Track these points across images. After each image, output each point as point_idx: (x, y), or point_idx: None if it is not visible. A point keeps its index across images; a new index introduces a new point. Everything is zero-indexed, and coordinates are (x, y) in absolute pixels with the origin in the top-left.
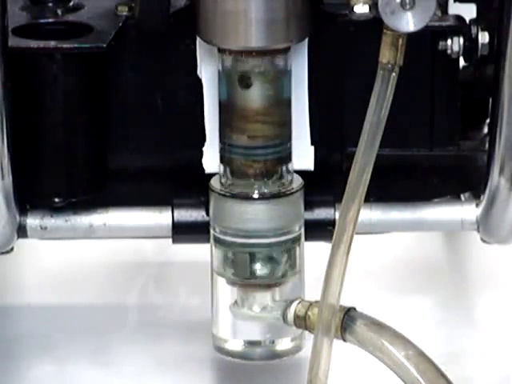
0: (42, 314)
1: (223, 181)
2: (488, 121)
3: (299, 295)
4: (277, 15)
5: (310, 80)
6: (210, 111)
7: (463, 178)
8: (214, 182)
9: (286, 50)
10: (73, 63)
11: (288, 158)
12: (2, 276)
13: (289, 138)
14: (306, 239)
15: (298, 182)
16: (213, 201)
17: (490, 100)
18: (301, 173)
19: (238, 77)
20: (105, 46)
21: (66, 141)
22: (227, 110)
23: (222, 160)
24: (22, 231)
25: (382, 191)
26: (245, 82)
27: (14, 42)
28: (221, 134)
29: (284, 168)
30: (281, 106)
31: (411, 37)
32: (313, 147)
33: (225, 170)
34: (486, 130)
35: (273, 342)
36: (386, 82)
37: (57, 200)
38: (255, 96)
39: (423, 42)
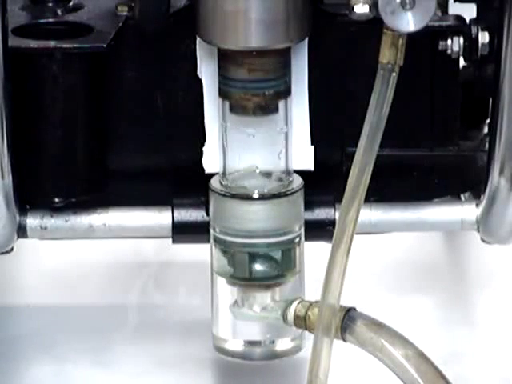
0: (41, 314)
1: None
2: (488, 121)
3: (299, 295)
4: (277, 15)
5: (310, 80)
6: (209, 111)
7: (463, 178)
8: (214, 182)
9: (286, 50)
10: (73, 63)
11: (287, 92)
12: (2, 276)
13: (288, 72)
14: (306, 239)
15: (297, 181)
16: (213, 201)
17: (490, 100)
18: (301, 173)
19: None
20: (105, 46)
21: (66, 141)
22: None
23: (220, 94)
24: (21, 231)
25: (383, 191)
26: None
27: (14, 42)
28: (220, 67)
29: (283, 102)
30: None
31: (411, 37)
32: (313, 147)
33: (223, 105)
34: (486, 129)
35: (273, 342)
36: (386, 82)
37: (57, 200)
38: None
39: (423, 42)
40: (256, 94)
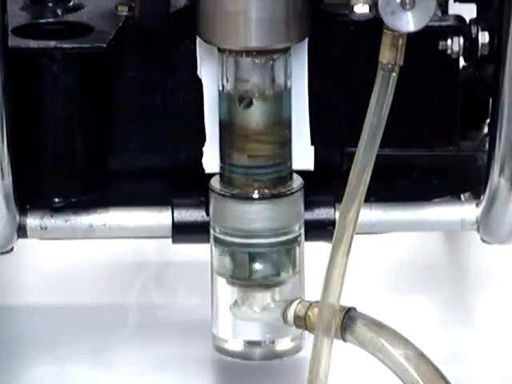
0: (41, 314)
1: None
2: (488, 121)
3: (299, 295)
4: (277, 15)
5: (310, 80)
6: (209, 111)
7: (463, 178)
8: (214, 182)
9: (285, 50)
10: (73, 63)
11: (289, 178)
12: (2, 276)
13: (289, 157)
14: (306, 239)
15: (297, 181)
16: (213, 201)
17: (490, 100)
18: (301, 173)
19: (238, 97)
20: (105, 45)
21: (66, 141)
22: (227, 130)
23: (221, 179)
24: (21, 231)
25: (382, 191)
26: (245, 101)
27: (14, 42)
28: (221, 153)
29: (285, 187)
30: (281, 125)
31: (411, 37)
32: (313, 147)
33: (227, 189)
34: (486, 129)
35: (273, 342)
36: (386, 82)
37: (57, 200)
38: (255, 115)
39: (423, 42)
40: (257, 180)
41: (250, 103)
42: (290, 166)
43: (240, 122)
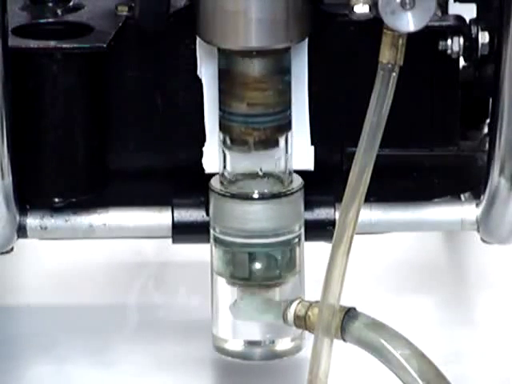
0: (41, 314)
1: (223, 151)
2: (488, 121)
3: (299, 295)
4: (277, 15)
5: (310, 80)
6: (210, 111)
7: (463, 178)
8: (214, 182)
9: (286, 50)
10: (73, 63)
11: (288, 127)
12: (2, 276)
13: (288, 106)
14: (306, 239)
15: (297, 181)
16: (213, 201)
17: (490, 100)
18: (301, 173)
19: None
20: (105, 45)
21: (65, 141)
22: (226, 78)
23: (220, 128)
24: (21, 231)
25: (383, 191)
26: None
27: (14, 42)
28: (220, 101)
29: (284, 137)
30: (281, 73)
31: (411, 37)
32: (313, 147)
33: (224, 139)
34: (486, 129)
35: (273, 342)
36: (386, 82)
37: (57, 200)
38: (255, 64)
39: (423, 42)
40: (256, 129)
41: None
42: (290, 114)
43: (239, 71)
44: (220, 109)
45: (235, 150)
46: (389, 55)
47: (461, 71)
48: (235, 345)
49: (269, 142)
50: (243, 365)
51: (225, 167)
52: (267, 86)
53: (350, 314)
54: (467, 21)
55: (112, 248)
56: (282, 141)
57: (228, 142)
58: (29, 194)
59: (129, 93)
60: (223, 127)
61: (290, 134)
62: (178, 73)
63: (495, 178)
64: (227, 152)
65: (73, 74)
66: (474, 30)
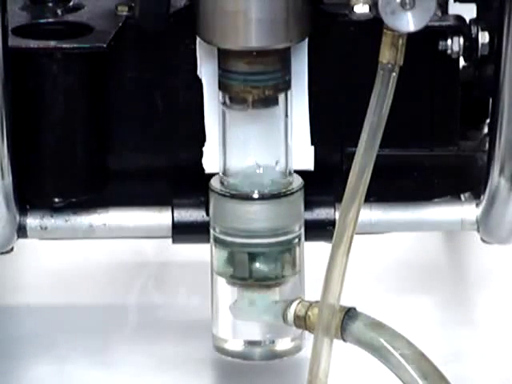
0: (41, 314)
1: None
2: (488, 121)
3: (299, 295)
4: (277, 15)
5: (310, 80)
6: (209, 111)
7: (463, 178)
8: (214, 182)
9: (286, 50)
10: (73, 63)
11: (287, 85)
12: (2, 276)
13: (287, 65)
14: (306, 239)
15: (297, 181)
16: (213, 201)
17: (490, 100)
18: (301, 173)
19: None
20: (105, 45)
21: (65, 141)
22: None
23: (220, 87)
24: (21, 231)
25: (383, 191)
26: None
27: (14, 42)
28: (219, 60)
29: (283, 95)
30: None
31: (411, 37)
32: (313, 147)
33: (223, 97)
34: (486, 129)
35: (273, 342)
36: (386, 82)
37: (57, 200)
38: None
39: (423, 42)
40: (256, 87)
41: None
42: (289, 72)
43: None
44: (219, 67)
45: (234, 109)
46: (389, 55)
47: (461, 71)
48: (235, 345)
49: (268, 101)
50: (243, 365)
51: (224, 129)
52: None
53: (349, 313)
54: (467, 21)
55: (112, 248)
56: (281, 100)
57: (227, 100)
58: (29, 194)
59: (129, 93)
60: (222, 86)
61: (289, 93)
62: (178, 73)
63: (495, 178)
64: (226, 111)
65: (73, 74)
66: (473, 30)
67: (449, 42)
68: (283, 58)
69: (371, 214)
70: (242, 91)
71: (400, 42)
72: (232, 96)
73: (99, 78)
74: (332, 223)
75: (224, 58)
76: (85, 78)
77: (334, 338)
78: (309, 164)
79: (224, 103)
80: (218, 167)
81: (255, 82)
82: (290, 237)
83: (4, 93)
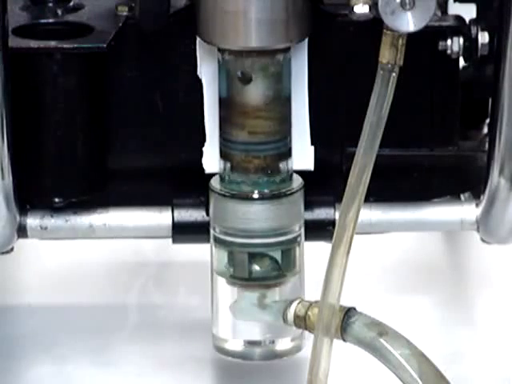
0: (41, 314)
1: (223, 176)
2: (488, 121)
3: (299, 295)
4: (277, 15)
5: (310, 80)
6: (209, 111)
7: (463, 178)
8: (214, 182)
9: (286, 50)
10: (73, 63)
11: (288, 154)
12: (2, 276)
13: (288, 134)
14: (306, 239)
15: (297, 181)
16: (213, 201)
17: (490, 100)
18: (301, 173)
19: (238, 73)
20: (105, 45)
21: (66, 141)
22: (227, 106)
23: (221, 155)
24: (22, 231)
25: (383, 191)
26: (245, 77)
27: (14, 42)
28: (221, 129)
29: (284, 164)
30: (281, 101)
31: (411, 37)
32: (313, 147)
33: (224, 166)
34: (486, 129)
35: (273, 342)
36: (385, 82)
37: (57, 200)
38: (255, 92)
39: (423, 42)
40: (257, 157)
41: (250, 80)
42: (290, 141)
43: (240, 99)
44: (220, 136)
45: (235, 177)
46: (389, 55)
47: (461, 71)
48: (235, 345)
49: (269, 169)
50: (243, 365)
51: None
52: (268, 115)
53: (349, 313)
54: (467, 21)
55: (112, 248)
56: (283, 167)
57: (227, 169)
58: (29, 194)
59: (129, 93)
60: (223, 154)
61: (290, 160)
62: (178, 73)
63: (495, 178)
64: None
65: (73, 74)
66: (473, 30)
67: (449, 42)
68: (284, 127)
69: (371, 213)
70: (243, 161)
71: (400, 42)
72: (233, 165)
73: (99, 78)
74: (332, 223)
75: (225, 126)
76: (85, 78)
77: (334, 337)
78: (309, 164)
79: (224, 170)
80: (217, 167)
81: (256, 152)
82: (289, 237)
83: (4, 93)
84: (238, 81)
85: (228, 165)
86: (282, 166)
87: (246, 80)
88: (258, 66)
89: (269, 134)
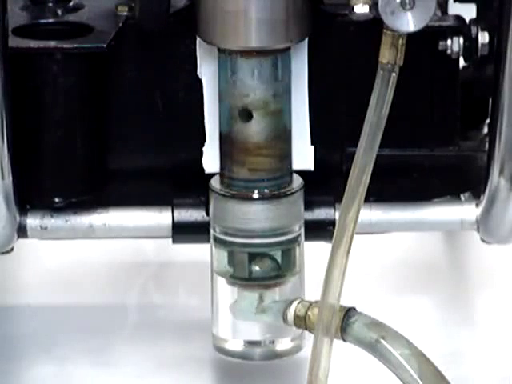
0: (42, 313)
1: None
2: (488, 121)
3: (299, 295)
4: (277, 15)
5: (310, 80)
6: (209, 111)
7: (463, 178)
8: (214, 182)
9: (285, 50)
10: (73, 63)
11: (288, 186)
12: (2, 276)
13: (289, 170)
14: (306, 239)
15: (297, 181)
16: (213, 201)
17: (490, 100)
18: (301, 173)
19: (239, 110)
20: (105, 45)
21: (66, 141)
22: (227, 143)
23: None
24: (22, 231)
25: (383, 191)
26: (245, 114)
27: (14, 42)
28: (221, 165)
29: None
30: (282, 138)
31: (411, 37)
32: (313, 147)
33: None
34: (486, 129)
35: (273, 342)
36: (385, 82)
37: (57, 200)
38: (256, 129)
39: (423, 42)
40: (258, 187)
41: (250, 117)
42: (291, 174)
43: (240, 136)
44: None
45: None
46: (389, 55)
47: (461, 71)
48: (235, 345)
49: (271, 197)
50: (243, 365)
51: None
52: (268, 152)
53: (349, 313)
54: (467, 21)
55: (112, 248)
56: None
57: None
58: (29, 194)
59: (129, 93)
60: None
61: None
62: (178, 73)
63: (495, 178)
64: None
65: (73, 74)
66: (473, 30)
67: (449, 42)
68: (284, 165)
69: (371, 213)
70: (244, 193)
71: (400, 42)
72: (234, 194)
73: (99, 78)
74: (332, 223)
75: (226, 161)
76: (85, 78)
77: (334, 337)
78: (309, 164)
79: (226, 195)
80: (217, 167)
81: (257, 188)
82: (290, 237)
83: (4, 93)
84: (238, 118)
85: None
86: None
87: (247, 117)
88: (258, 105)
89: (269, 171)
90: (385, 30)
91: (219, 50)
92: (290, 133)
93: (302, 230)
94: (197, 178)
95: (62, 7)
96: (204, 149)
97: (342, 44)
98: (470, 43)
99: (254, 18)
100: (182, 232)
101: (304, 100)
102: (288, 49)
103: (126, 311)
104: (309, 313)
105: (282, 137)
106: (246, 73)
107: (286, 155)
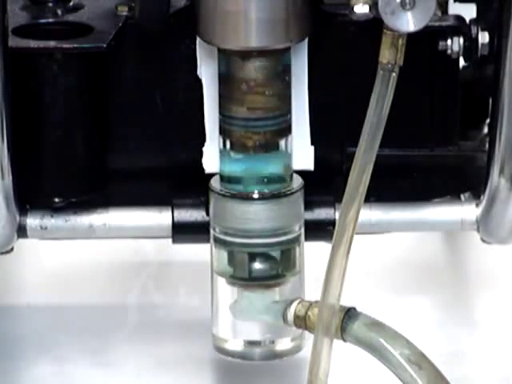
0: (42, 313)
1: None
2: (488, 121)
3: (299, 295)
4: (277, 15)
5: (310, 80)
6: (210, 111)
7: (463, 178)
8: (214, 182)
9: (285, 50)
10: (73, 63)
11: (288, 131)
12: (2, 276)
13: (288, 111)
14: (306, 239)
15: (297, 181)
16: (213, 201)
17: (490, 100)
18: (301, 173)
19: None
20: (105, 45)
21: (66, 141)
22: (226, 82)
23: (220, 132)
24: (22, 231)
25: (383, 191)
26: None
27: (13, 42)
28: (220, 105)
29: (283, 141)
30: (281, 77)
31: (411, 37)
32: (313, 147)
33: (224, 143)
34: (486, 129)
35: (273, 342)
36: (385, 82)
37: (57, 200)
38: (255, 67)
39: (423, 42)
40: (256, 133)
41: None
42: (290, 118)
43: (239, 75)
44: (220, 112)
45: (235, 153)
46: (389, 55)
47: (461, 71)
48: (235, 345)
49: (269, 146)
50: (243, 365)
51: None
52: (267, 90)
53: (349, 313)
54: (467, 21)
55: (112, 248)
56: (282, 144)
57: (228, 145)
58: (29, 194)
59: (129, 93)
60: (222, 131)
61: (290, 137)
62: (177, 73)
63: (495, 178)
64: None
65: (73, 74)
66: (473, 30)
67: (449, 42)
68: (284, 102)
69: (371, 213)
70: (243, 137)
71: (400, 42)
72: (232, 141)
73: (99, 77)
74: (332, 223)
75: (224, 103)
76: (85, 78)
77: (334, 338)
78: (309, 164)
79: (224, 147)
80: (217, 167)
81: (256, 128)
82: (290, 237)
83: (4, 93)
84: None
85: (227, 141)
86: (281, 143)
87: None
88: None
89: (268, 110)
90: (385, 30)
91: (219, 50)
92: (290, 73)
93: (302, 230)
94: (197, 178)
95: (62, 7)
96: (204, 149)
97: (342, 44)
98: (470, 43)
99: (254, 17)
100: (182, 232)
101: (304, 100)
102: (288, 49)
103: (126, 311)
104: (309, 313)
105: (281, 75)
106: (246, 73)
107: (285, 94)
